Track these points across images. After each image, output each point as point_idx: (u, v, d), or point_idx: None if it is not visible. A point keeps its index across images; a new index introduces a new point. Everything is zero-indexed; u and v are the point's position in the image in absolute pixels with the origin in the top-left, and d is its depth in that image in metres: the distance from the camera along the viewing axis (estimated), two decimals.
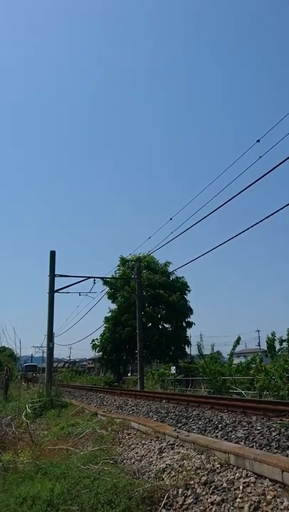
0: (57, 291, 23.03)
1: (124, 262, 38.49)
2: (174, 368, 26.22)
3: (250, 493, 4.71)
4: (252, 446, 6.19)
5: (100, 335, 39.23)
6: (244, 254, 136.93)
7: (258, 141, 11.97)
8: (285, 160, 10.68)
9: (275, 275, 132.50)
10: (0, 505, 5.84)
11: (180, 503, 5.19)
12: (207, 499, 5.00)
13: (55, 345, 23.79)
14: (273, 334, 19.35)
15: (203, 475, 5.55)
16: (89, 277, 24.10)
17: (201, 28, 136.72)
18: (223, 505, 4.75)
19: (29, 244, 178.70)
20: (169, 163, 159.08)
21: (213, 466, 5.72)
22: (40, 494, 5.86)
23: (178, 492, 5.42)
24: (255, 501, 4.50)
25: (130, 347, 36.70)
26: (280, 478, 4.68)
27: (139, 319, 24.77)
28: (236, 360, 23.99)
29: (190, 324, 39.61)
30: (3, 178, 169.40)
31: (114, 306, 39.29)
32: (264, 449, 5.99)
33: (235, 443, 6.49)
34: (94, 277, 24.30)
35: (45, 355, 29.21)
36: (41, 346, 48.94)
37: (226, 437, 7.07)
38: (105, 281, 32.54)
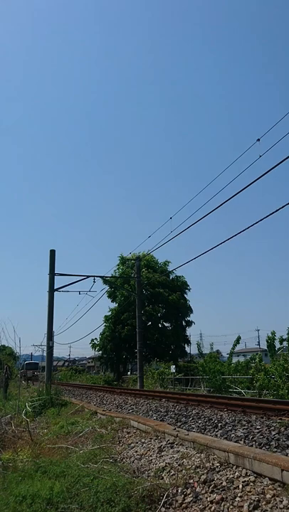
0: (57, 289, 23.05)
1: (123, 260, 38.50)
2: (174, 366, 26.22)
3: (250, 492, 4.72)
4: (251, 445, 6.19)
5: (100, 334, 39.29)
6: (244, 254, 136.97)
7: (258, 140, 11.97)
8: (285, 159, 10.67)
9: (276, 274, 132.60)
10: (0, 504, 5.85)
11: (180, 501, 5.19)
12: (207, 498, 5.01)
13: (54, 344, 23.79)
14: (273, 333, 19.37)
15: (203, 474, 5.55)
16: (89, 276, 24.12)
17: (201, 27, 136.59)
18: (222, 504, 4.75)
19: (29, 243, 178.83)
20: (169, 162, 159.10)
21: (213, 465, 5.73)
22: (40, 493, 5.86)
23: (177, 491, 5.43)
24: (254, 500, 4.50)
25: (130, 346, 36.71)
26: (280, 477, 4.68)
27: (138, 318, 24.79)
28: (236, 360, 23.99)
29: (190, 323, 39.66)
30: (3, 178, 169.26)
31: (114, 305, 39.34)
32: (263, 448, 5.99)
33: (235, 442, 6.50)
34: (94, 276, 24.31)
35: (44, 354, 29.21)
36: (41, 345, 48.92)
37: (225, 436, 7.07)
38: (105, 280, 32.57)
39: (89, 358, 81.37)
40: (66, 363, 77.94)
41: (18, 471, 7.41)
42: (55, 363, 54.49)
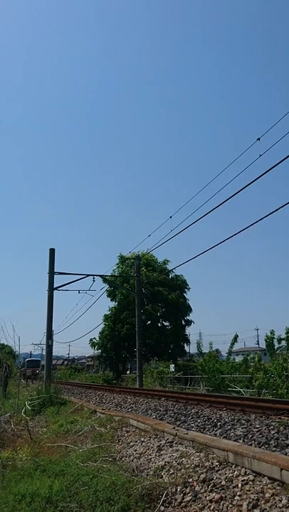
0: (56, 288, 23.04)
1: (123, 259, 38.50)
2: (173, 365, 26.24)
3: (249, 491, 4.72)
4: (251, 445, 6.20)
5: (99, 332, 39.26)
6: (244, 253, 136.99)
7: (259, 139, 11.96)
8: (285, 158, 10.67)
9: (275, 274, 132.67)
10: None
11: (179, 500, 5.20)
12: (206, 497, 5.01)
13: (54, 342, 23.80)
14: (272, 332, 19.40)
15: (202, 473, 5.56)
16: (88, 275, 24.11)
17: (201, 27, 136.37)
18: (221, 503, 4.76)
19: (29, 243, 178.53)
20: (169, 162, 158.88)
21: (212, 464, 5.73)
22: (39, 491, 5.87)
23: (176, 490, 5.43)
24: (253, 499, 4.51)
25: (129, 345, 36.72)
26: (279, 476, 4.69)
27: (138, 317, 24.79)
28: (236, 359, 24.03)
29: (189, 322, 39.67)
30: (3, 178, 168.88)
31: (113, 304, 39.33)
32: (263, 447, 6.00)
33: (234, 441, 6.50)
34: (93, 275, 24.31)
35: (44, 353, 29.22)
36: (40, 344, 48.84)
37: (224, 435, 7.08)
38: (105, 279, 32.55)
39: (88, 357, 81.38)
40: (65, 362, 77.93)
41: (18, 469, 7.41)
42: (54, 362, 54.10)
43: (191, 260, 18.33)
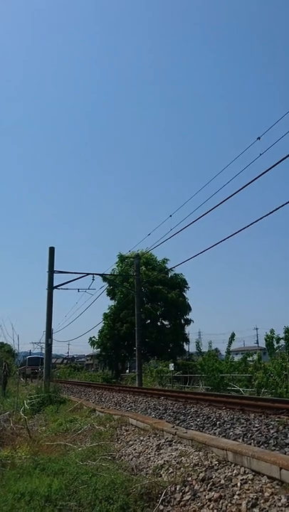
0: (56, 287, 23.03)
1: (122, 258, 38.47)
2: (173, 364, 26.25)
3: (248, 490, 4.72)
4: (250, 444, 6.20)
5: (99, 331, 39.25)
6: (244, 252, 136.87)
7: (259, 138, 11.95)
8: (286, 157, 10.66)
9: (276, 273, 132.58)
10: None
11: (178, 499, 5.20)
12: (205, 496, 5.01)
13: (53, 341, 23.83)
14: (272, 332, 19.41)
15: (201, 472, 5.56)
16: (88, 274, 24.11)
17: (201, 27, 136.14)
18: (220, 502, 4.75)
19: (29, 243, 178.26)
20: (169, 162, 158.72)
21: (211, 462, 5.73)
22: (38, 490, 5.87)
23: (176, 488, 5.43)
24: (252, 498, 4.51)
25: (129, 344, 36.72)
26: (278, 475, 4.69)
27: (138, 316, 24.79)
28: (235, 358, 24.05)
29: (188, 321, 39.65)
30: (3, 178, 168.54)
31: (113, 303, 39.30)
32: (262, 446, 6.00)
33: (234, 440, 6.50)
34: (93, 274, 24.31)
35: (43, 351, 29.25)
36: (40, 342, 48.77)
37: (224, 434, 7.08)
38: (104, 278, 32.54)
39: (88, 356, 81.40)
40: (65, 361, 77.95)
41: (17, 468, 7.41)
42: (53, 361, 54.06)
43: (191, 259, 18.30)
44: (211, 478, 5.30)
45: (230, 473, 5.24)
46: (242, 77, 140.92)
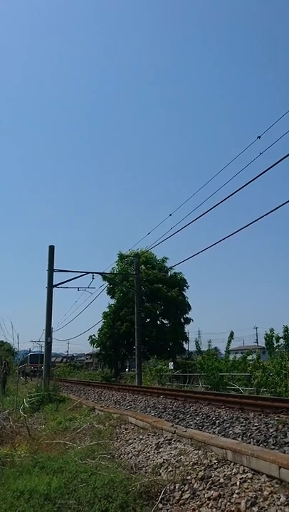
0: (55, 286, 23.01)
1: (122, 257, 38.47)
2: (172, 363, 26.27)
3: (247, 488, 4.72)
4: (249, 443, 6.21)
5: (98, 330, 39.29)
6: (244, 251, 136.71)
7: (259, 137, 11.94)
8: (286, 156, 10.65)
9: (277, 272, 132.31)
10: None
11: (177, 498, 5.20)
12: (204, 494, 5.01)
13: (53, 340, 23.83)
14: (271, 331, 19.42)
15: (201, 470, 5.56)
16: (88, 272, 24.10)
17: (201, 27, 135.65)
18: (220, 501, 4.75)
19: (29, 243, 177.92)
20: (169, 162, 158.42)
21: (211, 461, 5.73)
22: (38, 488, 5.87)
23: (175, 487, 5.43)
24: (252, 497, 4.51)
25: (128, 342, 36.75)
26: (277, 474, 4.69)
27: (137, 315, 24.79)
28: (235, 357, 24.05)
29: (188, 320, 39.68)
30: (3, 178, 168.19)
31: (113, 301, 39.32)
32: (261, 445, 6.01)
33: (233, 439, 6.51)
34: (92, 272, 24.30)
35: (43, 350, 29.26)
36: (39, 341, 48.81)
37: (223, 433, 7.09)
38: (104, 277, 32.55)
39: (87, 355, 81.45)
40: (64, 359, 77.98)
41: (16, 466, 7.41)
42: (53, 359, 54.05)
43: (191, 258, 18.31)
44: (211, 477, 5.31)
45: (229, 472, 5.24)
46: (242, 77, 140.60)
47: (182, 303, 38.55)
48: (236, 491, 4.77)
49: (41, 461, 7.39)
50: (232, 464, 5.47)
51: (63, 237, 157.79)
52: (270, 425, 6.91)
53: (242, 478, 4.98)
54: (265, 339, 19.99)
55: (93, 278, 24.27)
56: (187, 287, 40.01)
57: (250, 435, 6.58)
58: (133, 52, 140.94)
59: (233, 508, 4.51)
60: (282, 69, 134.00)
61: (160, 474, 6.01)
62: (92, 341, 40.09)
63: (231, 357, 23.35)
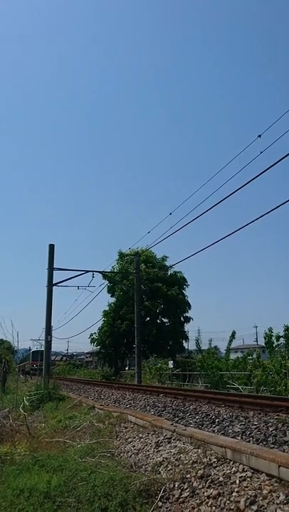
0: (55, 284, 23.01)
1: (122, 256, 38.46)
2: (172, 362, 26.28)
3: (247, 487, 4.73)
4: (249, 441, 6.21)
5: (98, 328, 39.30)
6: (244, 250, 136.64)
7: (260, 136, 11.91)
8: (286, 156, 10.63)
9: (277, 271, 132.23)
10: None
11: (176, 496, 5.21)
12: (203, 493, 5.03)
13: (53, 338, 23.83)
14: (271, 330, 19.39)
15: (200, 469, 5.57)
16: (88, 271, 24.10)
17: (201, 27, 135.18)
18: (219, 499, 4.76)
19: (29, 243, 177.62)
20: (169, 162, 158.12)
21: (210, 460, 5.74)
22: (37, 486, 5.88)
23: (174, 485, 5.45)
24: (251, 495, 4.52)
25: (128, 341, 36.76)
26: (277, 473, 4.69)
27: (137, 314, 24.80)
28: (234, 356, 24.07)
29: (188, 319, 39.68)
30: (3, 178, 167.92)
31: (113, 300, 39.32)
32: (261, 444, 6.01)
33: (232, 438, 6.52)
34: (92, 271, 24.31)
35: (43, 348, 29.27)
36: (39, 339, 48.81)
37: (222, 432, 7.09)
38: (104, 276, 32.54)
39: (87, 353, 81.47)
40: (64, 358, 78.02)
41: (16, 464, 7.43)
42: (53, 358, 54.09)
43: (191, 257, 18.30)
44: (210, 475, 5.32)
45: (229, 471, 5.25)
46: (242, 77, 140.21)
47: (182, 302, 38.56)
48: (236, 490, 4.78)
49: (41, 459, 7.41)
50: (231, 462, 5.48)
51: (63, 236, 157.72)
52: (270, 424, 6.91)
53: (241, 476, 4.99)
54: (265, 338, 19.98)
55: (93, 277, 24.30)
56: (187, 286, 40.04)
57: (249, 434, 6.58)
58: (133, 52, 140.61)
59: (232, 507, 4.52)
60: (282, 69, 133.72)
61: (160, 473, 6.02)
62: (92, 340, 40.12)
63: (231, 356, 23.37)
